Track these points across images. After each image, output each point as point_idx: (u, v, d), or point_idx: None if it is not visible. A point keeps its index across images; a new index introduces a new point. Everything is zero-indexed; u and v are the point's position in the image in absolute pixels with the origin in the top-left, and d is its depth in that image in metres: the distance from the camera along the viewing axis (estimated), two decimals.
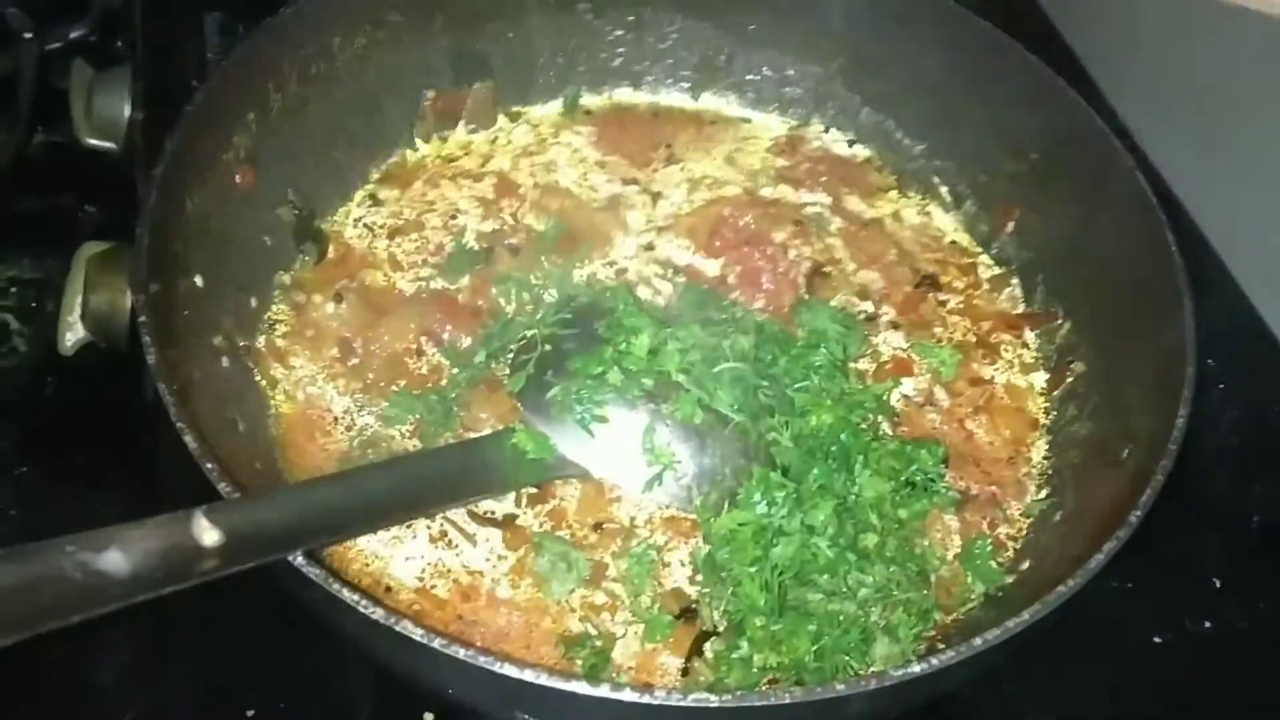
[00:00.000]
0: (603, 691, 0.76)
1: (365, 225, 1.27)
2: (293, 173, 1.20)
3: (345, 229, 1.26)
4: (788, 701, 0.78)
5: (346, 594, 0.79)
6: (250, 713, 1.11)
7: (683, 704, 0.77)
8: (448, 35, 1.32)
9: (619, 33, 1.40)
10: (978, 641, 0.83)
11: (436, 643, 0.77)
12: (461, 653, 0.77)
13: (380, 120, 1.31)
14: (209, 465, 0.84)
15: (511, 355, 1.13)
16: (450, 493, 1.01)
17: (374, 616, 0.78)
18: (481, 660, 0.77)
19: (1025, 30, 1.26)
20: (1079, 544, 0.92)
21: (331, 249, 1.24)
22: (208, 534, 0.76)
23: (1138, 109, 1.68)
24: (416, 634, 0.78)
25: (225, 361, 1.07)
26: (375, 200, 1.29)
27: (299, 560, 0.80)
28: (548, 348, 1.08)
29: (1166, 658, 1.22)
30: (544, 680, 0.74)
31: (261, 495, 0.90)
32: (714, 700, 0.77)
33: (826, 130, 1.42)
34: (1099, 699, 1.19)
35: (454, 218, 1.28)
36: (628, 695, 0.77)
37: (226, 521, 0.77)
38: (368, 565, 1.02)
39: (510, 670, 0.76)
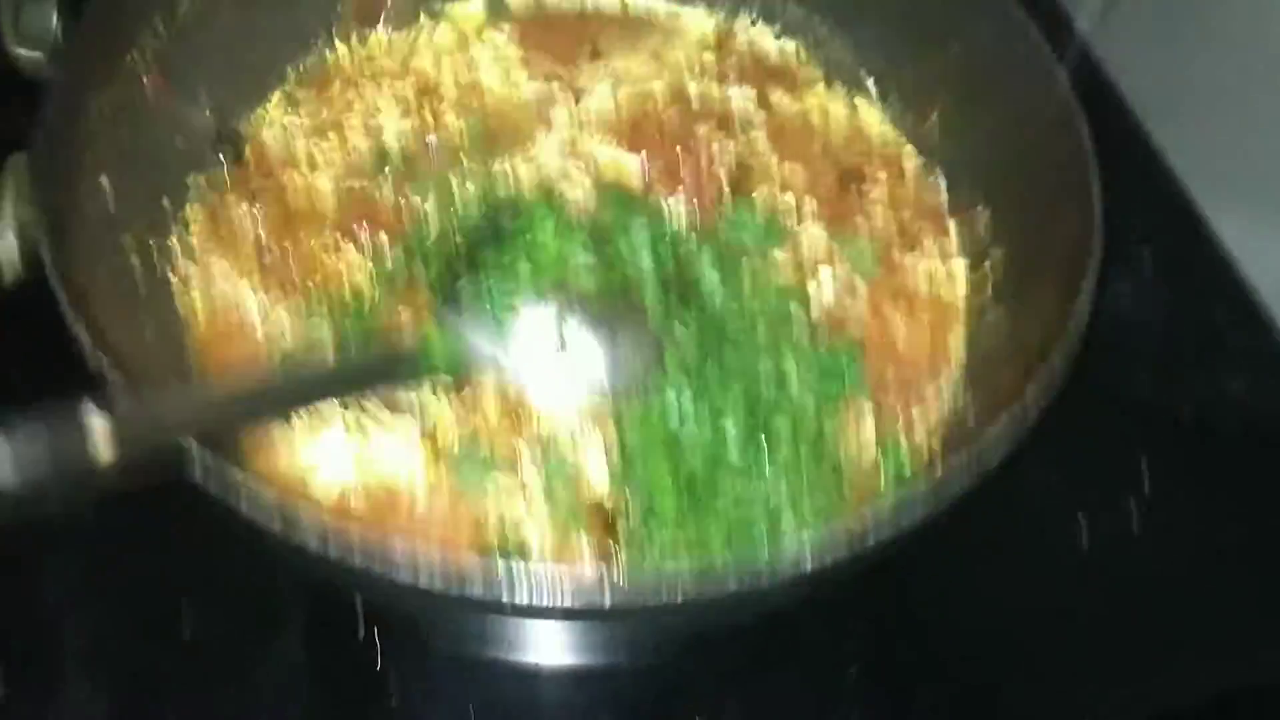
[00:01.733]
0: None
1: (282, 126, 1.25)
2: (206, 75, 1.18)
3: (261, 130, 1.24)
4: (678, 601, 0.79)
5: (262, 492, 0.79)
6: (186, 636, 1.13)
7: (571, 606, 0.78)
8: None
9: None
10: (869, 539, 0.83)
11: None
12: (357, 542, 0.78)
13: (296, 21, 1.28)
14: (102, 356, 0.84)
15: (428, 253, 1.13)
16: (362, 382, 1.01)
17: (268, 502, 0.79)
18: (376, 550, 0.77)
19: None
20: (988, 439, 0.91)
21: (248, 150, 1.22)
22: (95, 419, 0.76)
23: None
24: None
25: (135, 260, 1.07)
26: (292, 101, 1.27)
27: (192, 447, 0.80)
28: (461, 241, 1.08)
29: (1092, 554, 1.24)
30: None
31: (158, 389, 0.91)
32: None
33: (754, 24, 1.41)
34: (1022, 595, 1.21)
35: (373, 118, 1.27)
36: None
37: (115, 408, 0.78)
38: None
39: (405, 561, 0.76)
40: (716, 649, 1.15)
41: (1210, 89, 1.54)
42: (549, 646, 1.12)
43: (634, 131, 1.27)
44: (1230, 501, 1.27)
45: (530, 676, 1.16)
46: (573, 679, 1.16)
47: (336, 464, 1.04)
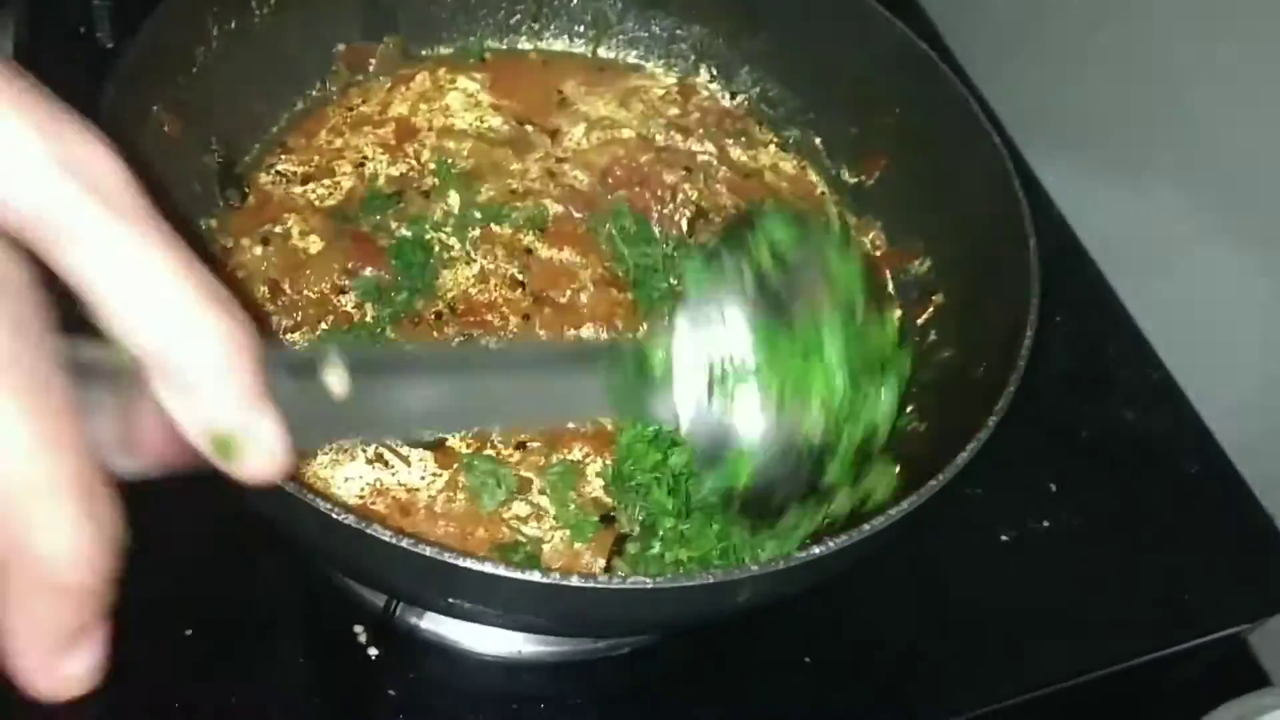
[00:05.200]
0: (531, 576, 0.85)
1: (278, 172, 1.33)
2: (215, 123, 1.25)
3: (260, 176, 1.32)
4: (688, 585, 0.89)
5: (322, 505, 0.86)
6: (188, 631, 1.18)
7: (608, 587, 0.88)
8: None
9: None
10: (844, 538, 0.94)
11: (405, 542, 0.85)
12: (405, 543, 0.85)
13: (297, 68, 1.36)
14: None
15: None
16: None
17: (343, 520, 0.85)
18: (428, 551, 0.84)
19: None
20: (942, 453, 1.04)
21: (251, 195, 1.29)
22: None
23: (986, 72, 1.85)
24: (385, 535, 0.85)
25: None
26: (286, 148, 1.35)
27: None
28: None
29: (1014, 552, 1.40)
30: (472, 565, 0.84)
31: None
32: (627, 584, 0.88)
33: (712, 81, 1.53)
34: (958, 587, 1.37)
35: (361, 165, 1.36)
36: (556, 579, 0.86)
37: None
38: (312, 485, 1.10)
39: (449, 558, 0.84)
40: (692, 639, 1.27)
41: (1098, 147, 1.73)
42: (532, 638, 1.21)
43: (605, 173, 1.38)
44: (1121, 508, 1.46)
45: (514, 668, 1.24)
46: (552, 669, 1.24)
47: (359, 485, 1.12)
